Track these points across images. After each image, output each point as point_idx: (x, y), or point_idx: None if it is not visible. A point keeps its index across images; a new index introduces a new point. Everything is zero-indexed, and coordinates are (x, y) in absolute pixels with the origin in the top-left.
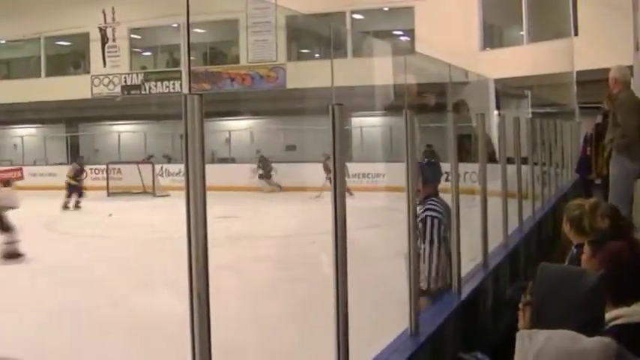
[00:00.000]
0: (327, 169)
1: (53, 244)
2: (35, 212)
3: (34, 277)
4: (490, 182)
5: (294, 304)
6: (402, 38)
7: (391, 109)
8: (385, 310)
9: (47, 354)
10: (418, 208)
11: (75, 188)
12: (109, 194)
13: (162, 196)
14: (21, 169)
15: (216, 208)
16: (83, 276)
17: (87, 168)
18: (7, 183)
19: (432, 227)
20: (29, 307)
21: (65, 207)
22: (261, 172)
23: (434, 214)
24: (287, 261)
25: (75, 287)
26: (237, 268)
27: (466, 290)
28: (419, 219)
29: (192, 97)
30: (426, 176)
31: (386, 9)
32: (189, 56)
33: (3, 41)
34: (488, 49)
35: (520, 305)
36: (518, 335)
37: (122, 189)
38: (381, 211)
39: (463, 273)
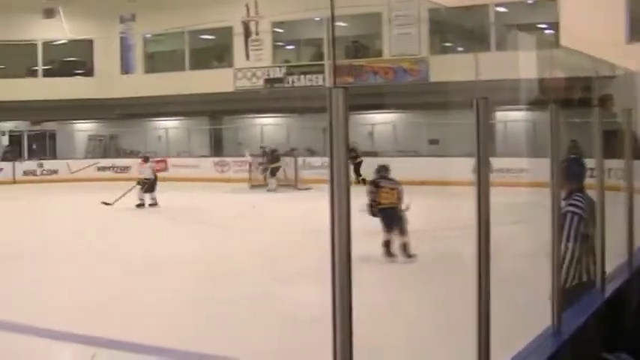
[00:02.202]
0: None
1: (199, 235)
2: (179, 203)
3: (180, 267)
4: (636, 179)
5: (433, 298)
6: (546, 31)
7: (536, 104)
8: (526, 307)
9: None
10: (562, 203)
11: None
12: (251, 187)
13: (305, 189)
14: (165, 160)
15: (357, 201)
16: (227, 267)
17: (231, 160)
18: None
19: (570, 223)
20: (173, 296)
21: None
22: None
23: (575, 209)
24: (427, 255)
25: (219, 278)
26: (378, 261)
27: (610, 289)
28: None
29: (336, 91)
30: (570, 172)
31: (530, 1)
32: (333, 50)
33: (148, 35)
34: (635, 42)
35: None
36: None
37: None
38: (524, 206)
39: (607, 271)
